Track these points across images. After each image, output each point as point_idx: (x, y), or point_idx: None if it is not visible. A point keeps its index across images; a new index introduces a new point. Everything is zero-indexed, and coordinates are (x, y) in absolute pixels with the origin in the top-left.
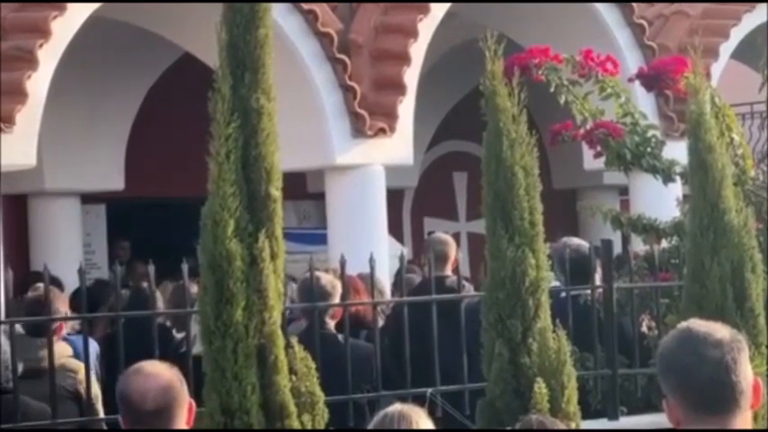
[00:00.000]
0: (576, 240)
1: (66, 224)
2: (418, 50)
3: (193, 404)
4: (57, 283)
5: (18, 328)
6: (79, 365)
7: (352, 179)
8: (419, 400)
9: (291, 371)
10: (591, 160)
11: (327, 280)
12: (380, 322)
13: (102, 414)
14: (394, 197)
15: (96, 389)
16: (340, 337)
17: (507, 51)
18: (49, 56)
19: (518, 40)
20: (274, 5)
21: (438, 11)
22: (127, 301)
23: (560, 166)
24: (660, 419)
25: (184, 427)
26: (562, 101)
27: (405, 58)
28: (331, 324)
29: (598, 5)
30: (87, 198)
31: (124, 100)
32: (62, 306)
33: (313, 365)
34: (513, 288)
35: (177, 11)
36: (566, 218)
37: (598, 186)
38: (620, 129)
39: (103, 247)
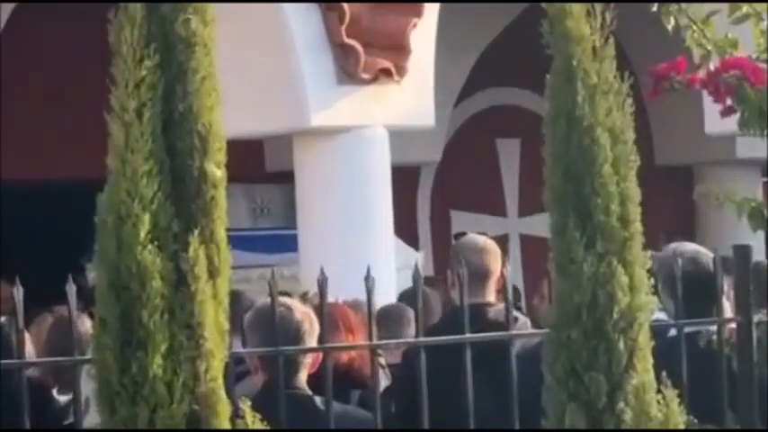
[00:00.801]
0: (692, 247)
1: None
2: None
3: None
4: None
5: None
6: None
7: (336, 151)
8: None
9: None
10: (716, 120)
11: (303, 312)
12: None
13: None
14: (405, 178)
15: None
16: (318, 400)
17: None
18: None
19: None
20: None
21: None
22: None
23: (668, 130)
24: None
25: None
26: (670, 26)
27: None
28: (303, 380)
29: None
30: None
31: None
32: None
33: None
34: (593, 322)
35: None
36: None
37: (728, 161)
38: (763, 70)
39: None
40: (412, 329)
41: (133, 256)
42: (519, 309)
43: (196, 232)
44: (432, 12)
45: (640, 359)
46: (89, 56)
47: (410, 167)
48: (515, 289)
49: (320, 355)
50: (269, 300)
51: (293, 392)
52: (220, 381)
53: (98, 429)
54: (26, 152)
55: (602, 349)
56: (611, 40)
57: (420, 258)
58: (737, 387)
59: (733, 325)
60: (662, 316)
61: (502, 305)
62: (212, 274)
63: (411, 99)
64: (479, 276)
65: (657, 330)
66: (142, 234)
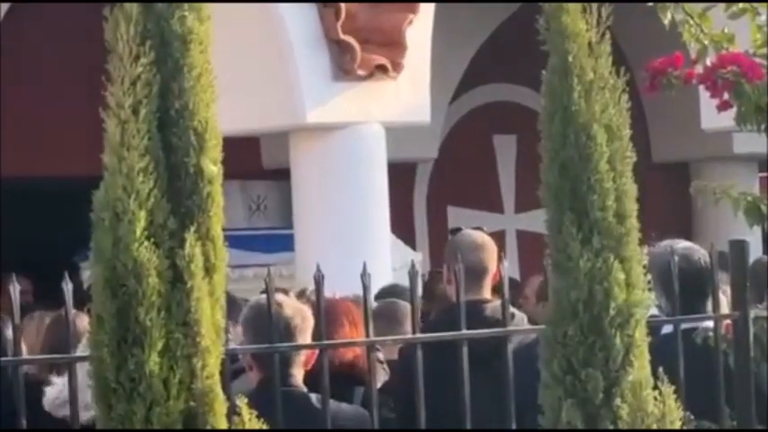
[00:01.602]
0: (684, 243)
1: None
2: None
3: None
4: None
5: None
6: None
7: (332, 147)
8: None
9: None
10: (713, 115)
11: (294, 308)
12: (383, 374)
13: None
14: (401, 175)
15: None
16: (314, 398)
17: None
18: None
19: None
20: None
21: None
22: None
23: (664, 126)
24: None
25: None
26: (667, 20)
27: None
28: (299, 377)
29: None
30: None
31: None
32: None
33: None
34: (590, 319)
35: None
36: (673, 206)
37: (724, 157)
38: (760, 66)
39: None
40: (408, 326)
41: (129, 252)
42: (516, 306)
43: (192, 229)
44: (428, 8)
45: (637, 356)
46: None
47: (406, 164)
48: (515, 282)
49: (315, 351)
50: (261, 297)
51: (288, 390)
52: (217, 378)
53: (95, 428)
54: (23, 149)
55: (599, 346)
56: (607, 37)
57: (417, 257)
58: (734, 383)
59: (729, 322)
60: (658, 312)
61: (498, 302)
62: (209, 270)
63: (407, 95)
64: (476, 273)
65: (654, 327)
66: (138, 231)
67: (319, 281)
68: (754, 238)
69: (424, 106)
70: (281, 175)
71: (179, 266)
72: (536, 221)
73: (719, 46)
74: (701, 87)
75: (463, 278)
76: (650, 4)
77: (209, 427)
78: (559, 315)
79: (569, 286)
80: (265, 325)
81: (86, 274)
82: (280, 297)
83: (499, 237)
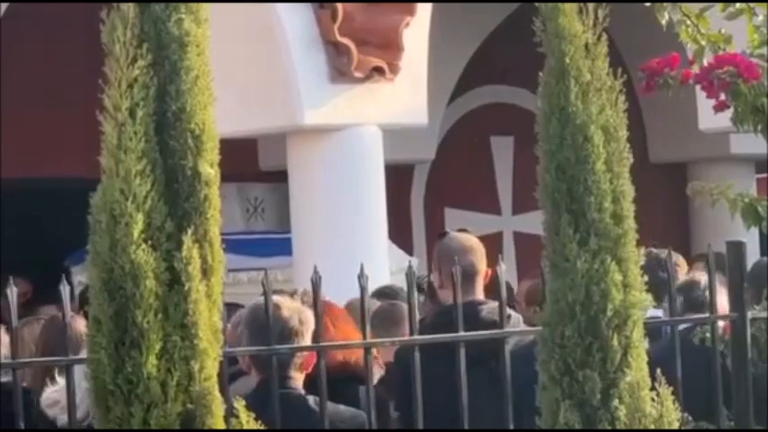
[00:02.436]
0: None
1: None
2: None
3: None
4: None
5: None
6: None
7: (329, 149)
8: None
9: None
10: (710, 116)
11: (292, 310)
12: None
13: None
14: (399, 177)
15: None
16: (311, 400)
17: None
18: None
19: None
20: None
21: None
22: None
23: (661, 127)
24: None
25: None
26: (664, 21)
27: None
28: (298, 379)
29: None
30: None
31: None
32: None
33: None
34: (587, 320)
35: None
36: (670, 208)
37: (722, 158)
38: (757, 66)
39: None
40: (404, 328)
41: (126, 255)
42: (512, 306)
43: (189, 231)
44: (425, 10)
45: (634, 357)
46: (85, 55)
47: (404, 166)
48: (509, 287)
49: (313, 354)
50: (260, 299)
51: (286, 392)
52: (214, 380)
53: (93, 429)
54: (22, 151)
55: (596, 347)
56: (604, 38)
57: (414, 261)
58: (731, 383)
59: (726, 323)
60: (657, 314)
61: (493, 303)
62: (206, 273)
63: (404, 97)
64: (469, 275)
65: (652, 328)
66: (135, 233)
67: (316, 283)
68: (751, 239)
69: (422, 108)
70: (279, 178)
71: (176, 269)
72: (533, 223)
73: (717, 46)
74: (698, 88)
75: (460, 280)
76: (647, 4)
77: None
78: (557, 316)
79: (566, 287)
80: (263, 327)
81: (78, 279)
82: (278, 299)
83: (496, 238)
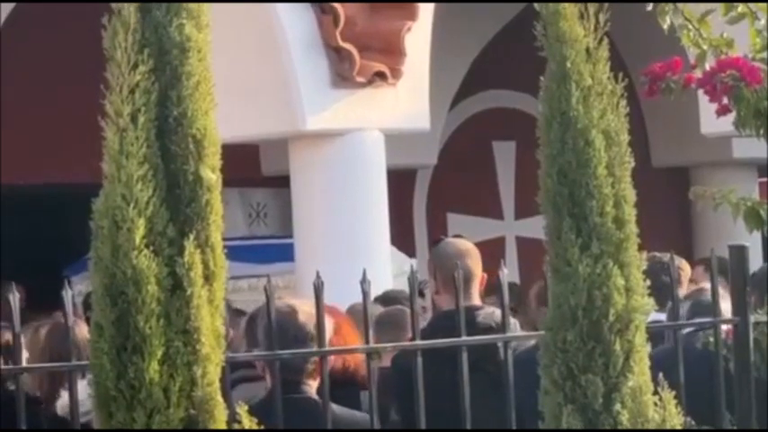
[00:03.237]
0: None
1: None
2: None
3: None
4: None
5: None
6: None
7: (332, 154)
8: None
9: None
10: (712, 120)
11: (309, 314)
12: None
13: None
14: (401, 182)
15: None
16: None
17: None
18: None
19: None
20: None
21: None
22: None
23: (663, 131)
24: None
25: None
26: (666, 25)
27: None
28: (312, 385)
29: None
30: None
31: None
32: None
33: None
34: (589, 325)
35: None
36: (672, 212)
37: (724, 162)
38: (759, 70)
39: None
40: (409, 333)
41: (128, 260)
42: (514, 310)
43: (191, 237)
44: (427, 14)
45: (637, 361)
46: (86, 60)
47: (406, 171)
48: (515, 287)
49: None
50: (279, 303)
51: (299, 398)
52: (217, 385)
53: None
54: (23, 156)
55: (599, 351)
56: (605, 42)
57: (414, 264)
58: (734, 388)
59: (729, 327)
60: (660, 318)
61: (489, 309)
62: (208, 278)
63: (406, 102)
64: (465, 280)
65: (654, 332)
66: (137, 239)
67: (319, 288)
68: (753, 243)
69: (424, 113)
70: (281, 183)
71: (178, 274)
72: (535, 227)
73: (719, 50)
74: (701, 92)
75: (462, 285)
76: (649, 8)
77: None
78: (559, 321)
79: (568, 292)
80: (278, 331)
81: (78, 288)
82: (295, 303)
83: (499, 243)
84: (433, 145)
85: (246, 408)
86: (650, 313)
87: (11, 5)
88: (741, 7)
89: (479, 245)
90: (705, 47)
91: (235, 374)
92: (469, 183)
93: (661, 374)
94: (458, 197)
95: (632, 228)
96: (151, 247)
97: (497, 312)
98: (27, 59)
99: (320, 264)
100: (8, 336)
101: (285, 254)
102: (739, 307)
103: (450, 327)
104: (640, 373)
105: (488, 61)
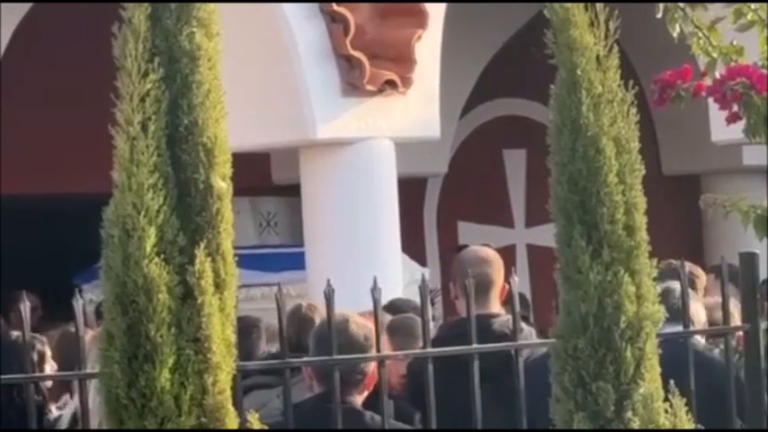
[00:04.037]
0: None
1: None
2: None
3: None
4: None
5: None
6: None
7: (342, 163)
8: None
9: None
10: (723, 128)
11: (360, 326)
12: None
13: None
14: (411, 190)
15: None
16: (368, 415)
17: None
18: None
19: None
20: None
21: None
22: None
23: (674, 139)
24: None
25: None
26: (675, 33)
27: None
28: (357, 397)
29: None
30: None
31: None
32: None
33: None
34: (600, 332)
35: None
36: (683, 219)
37: (734, 170)
38: None
39: None
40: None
41: (139, 269)
42: (526, 319)
43: (202, 245)
44: (437, 23)
45: (648, 368)
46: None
47: (417, 179)
48: (524, 298)
49: (375, 375)
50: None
51: (344, 407)
52: (228, 394)
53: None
54: (27, 166)
55: (610, 359)
56: (615, 50)
57: (426, 272)
58: (745, 396)
59: (740, 334)
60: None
61: (506, 316)
62: (219, 286)
63: (417, 111)
64: (483, 287)
65: (665, 340)
66: (148, 247)
67: (330, 296)
68: (764, 250)
69: (434, 121)
70: (292, 191)
71: (189, 283)
72: (547, 235)
73: (729, 58)
74: (711, 100)
75: (473, 293)
76: (659, 15)
77: None
78: (570, 328)
79: (579, 299)
80: (325, 340)
81: (88, 296)
82: (349, 313)
83: (510, 251)
84: (443, 153)
85: (257, 415)
86: (662, 322)
87: (17, 17)
88: (751, 15)
89: None
90: (715, 54)
91: (248, 381)
92: (480, 191)
93: (672, 382)
94: (468, 205)
95: (643, 235)
96: (162, 256)
97: None
98: (32, 69)
99: (331, 272)
100: (39, 346)
101: (296, 262)
102: (750, 314)
103: (464, 334)
104: (651, 380)
105: (499, 69)
